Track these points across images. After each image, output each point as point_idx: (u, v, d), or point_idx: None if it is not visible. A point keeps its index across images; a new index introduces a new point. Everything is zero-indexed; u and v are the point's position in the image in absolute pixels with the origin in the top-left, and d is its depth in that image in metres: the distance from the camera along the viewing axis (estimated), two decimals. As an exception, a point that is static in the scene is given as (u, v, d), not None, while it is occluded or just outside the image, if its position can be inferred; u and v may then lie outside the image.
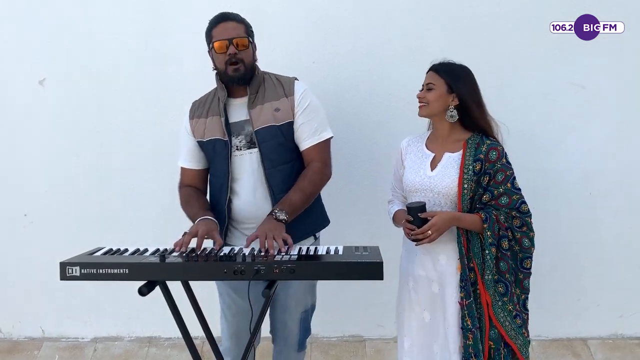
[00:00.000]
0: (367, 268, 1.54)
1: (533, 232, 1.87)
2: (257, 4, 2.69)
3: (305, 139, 1.96)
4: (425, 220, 1.80)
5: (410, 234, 1.83)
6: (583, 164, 2.78)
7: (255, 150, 1.93)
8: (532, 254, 1.86)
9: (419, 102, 1.93)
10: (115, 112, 2.84)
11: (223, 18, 1.91)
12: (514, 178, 1.86)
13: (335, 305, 2.89)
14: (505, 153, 1.88)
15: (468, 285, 1.82)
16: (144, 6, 2.76)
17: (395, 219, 2.04)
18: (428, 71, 1.97)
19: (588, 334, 2.92)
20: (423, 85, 1.95)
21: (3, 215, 2.96)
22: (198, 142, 2.02)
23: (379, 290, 2.73)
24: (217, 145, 1.96)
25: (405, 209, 1.91)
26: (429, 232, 1.78)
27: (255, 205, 1.95)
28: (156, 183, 2.86)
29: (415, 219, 1.81)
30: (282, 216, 1.80)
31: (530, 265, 1.87)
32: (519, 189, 1.87)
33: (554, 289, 2.87)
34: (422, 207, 1.82)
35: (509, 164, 1.87)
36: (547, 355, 2.86)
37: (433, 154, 1.96)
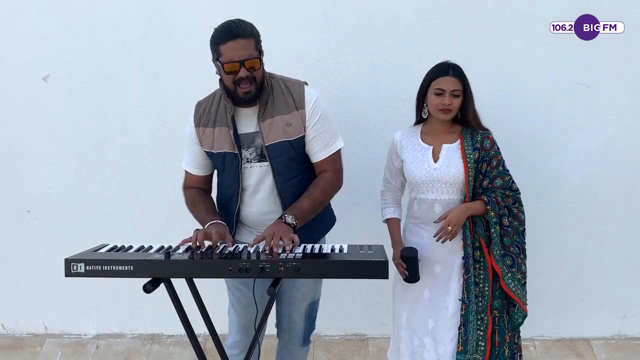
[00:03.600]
0: (372, 267, 1.54)
1: (523, 206, 2.08)
2: (262, 3, 2.68)
3: (317, 152, 1.94)
4: (416, 268, 2.01)
5: (438, 236, 1.98)
6: (587, 164, 2.78)
7: (266, 163, 1.90)
8: (525, 224, 2.09)
9: (447, 108, 1.98)
10: (119, 109, 2.84)
11: (232, 35, 1.74)
12: (504, 161, 2.06)
13: (338, 304, 2.89)
14: (495, 140, 2.06)
15: (468, 262, 2.01)
16: (148, 3, 2.75)
17: (388, 227, 2.18)
18: (445, 75, 1.98)
19: (591, 334, 2.92)
20: (444, 89, 1.97)
21: (7, 212, 2.97)
22: (207, 152, 1.98)
23: (382, 289, 2.72)
24: (227, 158, 1.93)
25: (396, 217, 2.18)
26: (449, 228, 1.94)
27: (266, 215, 1.94)
28: (159, 180, 2.86)
29: (409, 268, 2.01)
30: (291, 220, 1.79)
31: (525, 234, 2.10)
32: (508, 170, 2.06)
33: (557, 289, 2.87)
34: (415, 256, 2.01)
35: (499, 148, 2.06)
36: (550, 355, 2.85)
37: (431, 147, 2.07)
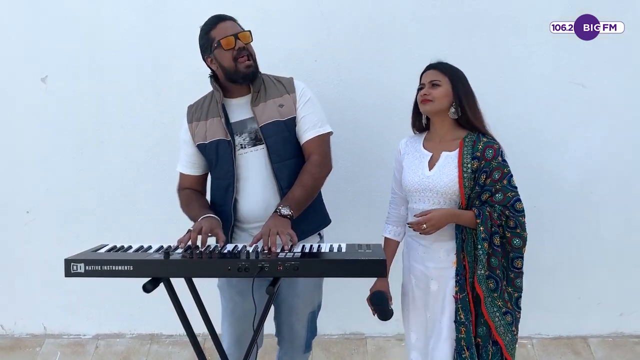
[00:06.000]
0: (370, 265, 1.54)
1: (526, 232, 1.85)
2: (260, 3, 2.69)
3: (306, 131, 1.97)
4: (384, 311, 1.99)
5: (409, 225, 1.89)
6: (584, 163, 2.79)
7: (261, 146, 1.94)
8: (523, 254, 1.85)
9: (423, 97, 1.90)
10: (117, 110, 2.84)
11: (220, 19, 1.93)
12: (511, 176, 1.86)
13: (337, 303, 2.89)
14: (502, 151, 1.88)
15: (463, 280, 1.84)
16: (147, 4, 2.76)
17: (384, 245, 2.09)
18: (426, 70, 1.96)
19: (588, 332, 2.93)
20: (423, 83, 1.93)
21: (6, 212, 2.97)
22: (200, 145, 2.00)
23: (380, 288, 2.73)
24: (221, 146, 1.95)
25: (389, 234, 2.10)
26: (424, 225, 1.80)
27: (264, 202, 1.95)
28: (158, 180, 2.86)
29: (377, 310, 2.02)
30: (286, 212, 1.79)
31: (522, 265, 1.85)
32: (515, 187, 1.86)
33: (554, 287, 2.89)
34: (381, 304, 2.01)
35: (505, 162, 1.87)
36: (548, 353, 2.87)
37: (430, 154, 1.95)
